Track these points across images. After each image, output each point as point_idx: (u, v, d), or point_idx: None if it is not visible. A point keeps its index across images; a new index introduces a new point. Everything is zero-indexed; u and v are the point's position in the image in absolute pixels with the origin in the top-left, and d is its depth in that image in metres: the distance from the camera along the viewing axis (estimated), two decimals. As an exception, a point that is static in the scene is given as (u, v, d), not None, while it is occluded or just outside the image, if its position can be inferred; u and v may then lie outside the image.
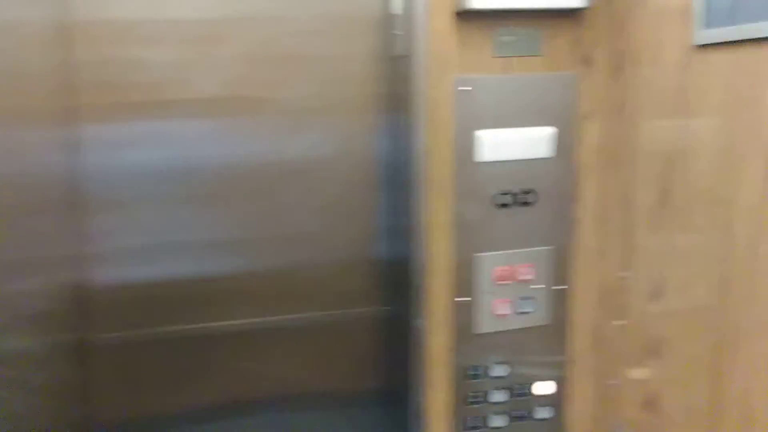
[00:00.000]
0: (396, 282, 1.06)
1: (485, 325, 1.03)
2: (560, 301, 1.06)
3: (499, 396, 1.05)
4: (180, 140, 0.96)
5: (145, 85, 0.93)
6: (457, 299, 1.02)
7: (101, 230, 0.94)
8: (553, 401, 1.08)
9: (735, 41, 0.80)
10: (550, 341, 1.07)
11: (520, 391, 1.06)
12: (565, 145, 1.02)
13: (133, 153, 0.94)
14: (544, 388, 1.07)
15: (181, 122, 0.96)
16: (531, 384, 1.07)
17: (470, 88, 0.97)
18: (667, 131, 0.93)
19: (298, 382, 1.06)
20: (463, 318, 1.03)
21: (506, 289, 1.03)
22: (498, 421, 1.05)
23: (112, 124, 0.93)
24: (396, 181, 1.03)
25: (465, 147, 0.98)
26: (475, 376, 1.04)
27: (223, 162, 0.98)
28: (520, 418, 1.07)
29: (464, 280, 1.02)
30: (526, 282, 1.04)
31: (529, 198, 1.01)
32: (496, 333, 1.04)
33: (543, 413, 1.07)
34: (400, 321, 1.05)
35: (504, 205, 1.01)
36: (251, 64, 0.96)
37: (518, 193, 1.01)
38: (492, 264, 1.02)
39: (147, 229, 0.96)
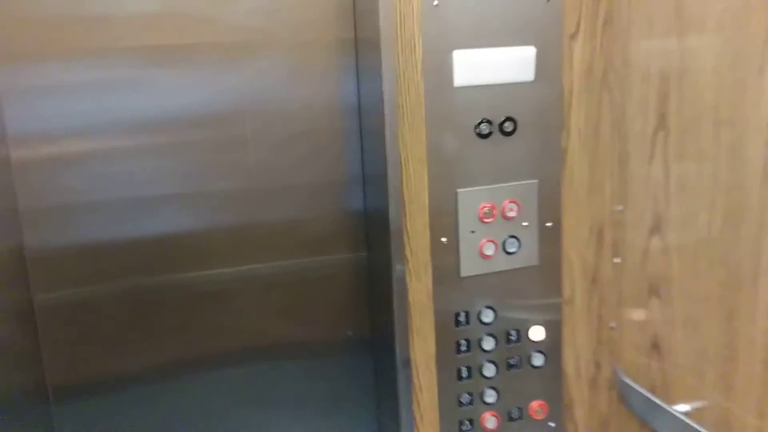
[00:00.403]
0: (375, 226, 0.98)
1: (471, 267, 0.95)
2: (550, 240, 0.98)
3: (490, 343, 0.98)
4: (117, 83, 0.87)
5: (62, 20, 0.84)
6: (439, 240, 0.93)
7: (41, 187, 0.86)
8: (549, 347, 1.00)
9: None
10: (542, 283, 0.99)
11: (512, 337, 0.98)
12: (549, 67, 0.93)
13: (63, 101, 0.85)
14: (538, 333, 0.99)
15: (116, 60, 0.87)
16: (524, 329, 0.99)
17: (438, 3, 0.88)
18: (664, 47, 0.84)
19: (272, 334, 0.99)
20: (447, 260, 0.95)
21: (491, 227, 0.95)
22: (490, 369, 0.98)
23: (34, 68, 0.84)
24: (370, 113, 0.95)
25: (439, 70, 0.89)
26: (464, 323, 0.96)
27: (173, 107, 0.90)
28: (514, 366, 0.99)
29: (446, 220, 0.93)
30: (512, 219, 0.95)
31: (511, 127, 0.93)
32: (483, 275, 0.96)
33: (538, 360, 1.00)
34: (380, 266, 0.97)
35: (485, 135, 0.92)
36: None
37: (500, 122, 0.93)
38: (475, 201, 0.94)
39: (91, 184, 0.88)
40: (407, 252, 0.93)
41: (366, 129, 0.97)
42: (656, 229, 0.89)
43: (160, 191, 0.92)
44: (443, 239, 0.94)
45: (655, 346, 0.91)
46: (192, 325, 0.95)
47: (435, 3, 0.88)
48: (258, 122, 0.94)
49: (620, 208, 0.95)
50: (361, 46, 0.94)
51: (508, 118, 0.93)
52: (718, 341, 0.80)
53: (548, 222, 0.97)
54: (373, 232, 0.99)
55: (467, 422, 0.98)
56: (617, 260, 0.97)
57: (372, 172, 0.96)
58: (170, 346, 0.95)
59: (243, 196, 0.96)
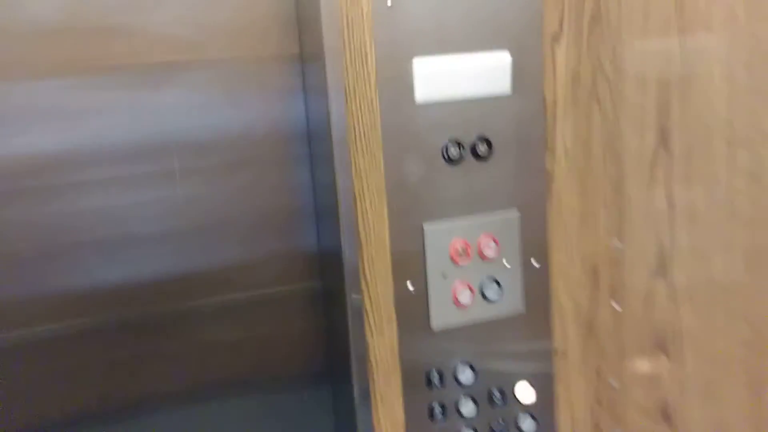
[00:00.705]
0: (328, 267, 0.82)
1: (443, 318, 0.80)
2: (537, 281, 0.82)
3: (469, 407, 0.81)
4: (7, 111, 0.72)
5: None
6: (404, 286, 0.78)
7: None
8: (540, 409, 0.84)
9: None
10: (529, 333, 0.83)
11: (496, 398, 0.82)
12: (527, 75, 0.78)
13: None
14: (526, 392, 0.83)
15: (7, 84, 0.71)
16: (510, 389, 0.83)
17: (392, 4, 0.73)
18: (663, 48, 0.69)
19: (223, 369, 0.83)
20: (415, 310, 0.79)
21: (466, 269, 0.80)
22: (469, 439, 0.82)
23: None
24: (319, 137, 0.80)
25: (397, 83, 0.75)
26: (437, 384, 0.80)
27: (81, 138, 0.75)
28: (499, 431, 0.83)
29: (412, 261, 0.78)
30: (491, 259, 0.80)
31: (485, 148, 0.78)
32: (458, 327, 0.80)
33: (528, 425, 0.83)
34: (336, 312, 0.81)
35: (455, 160, 0.77)
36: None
37: (472, 143, 0.78)
38: (445, 237, 0.79)
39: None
40: (366, 302, 0.77)
41: (316, 155, 0.82)
42: (661, 270, 0.73)
43: (74, 237, 0.76)
44: (409, 285, 0.78)
45: (664, 413, 0.75)
46: (140, 365, 0.79)
47: (389, 3, 0.73)
48: (187, 152, 0.79)
49: (617, 243, 0.80)
50: (306, 60, 0.79)
51: (482, 138, 0.78)
52: (741, 413, 0.64)
53: (533, 260, 0.82)
54: (326, 272, 0.83)
55: (445, 504, 0.82)
56: (616, 306, 0.81)
57: (323, 206, 0.81)
58: (116, 386, 0.79)
59: (174, 237, 0.80)
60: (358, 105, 0.74)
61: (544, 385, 0.83)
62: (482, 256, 0.80)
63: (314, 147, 0.81)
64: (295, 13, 0.79)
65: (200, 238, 0.81)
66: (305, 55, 0.79)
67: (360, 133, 0.75)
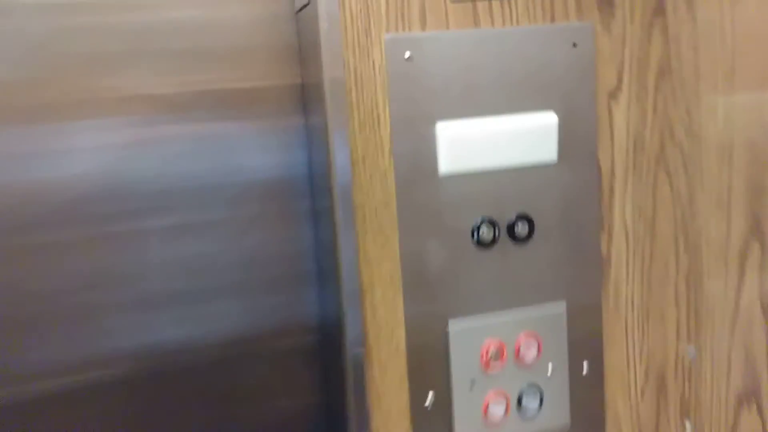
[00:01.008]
0: (329, 371, 0.68)
1: (472, 434, 0.65)
2: (586, 391, 0.67)
3: None
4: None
5: None
6: (422, 398, 0.63)
7: None
8: None
9: None
10: (577, 452, 0.67)
11: None
12: (578, 140, 0.64)
13: None
14: None
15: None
16: None
17: (411, 55, 0.59)
18: (757, 110, 0.54)
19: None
20: (436, 427, 0.64)
21: (500, 376, 0.65)
22: None
23: None
24: (320, 216, 0.66)
25: (417, 151, 0.60)
26: None
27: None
28: None
29: (433, 367, 0.63)
30: (530, 363, 0.65)
31: (526, 229, 0.63)
32: (490, 446, 0.65)
33: None
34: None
35: (488, 243, 0.63)
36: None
37: (510, 223, 0.63)
38: (475, 337, 0.64)
39: None
40: (376, 419, 0.63)
41: (317, 236, 0.68)
42: (750, 396, 0.57)
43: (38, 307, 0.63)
44: (430, 397, 0.64)
45: None
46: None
47: (407, 55, 0.59)
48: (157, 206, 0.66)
49: (692, 350, 0.64)
50: (310, 124, 0.65)
51: (522, 217, 0.63)
52: None
53: (584, 364, 0.67)
54: (329, 381, 0.68)
55: None
56: (690, 427, 0.65)
57: (324, 296, 0.67)
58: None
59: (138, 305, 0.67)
60: (368, 177, 0.60)
61: None
62: (520, 360, 0.65)
63: (316, 226, 0.68)
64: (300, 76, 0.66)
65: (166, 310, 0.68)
66: (309, 123, 0.65)
67: (371, 211, 0.61)
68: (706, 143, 0.60)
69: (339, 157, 0.58)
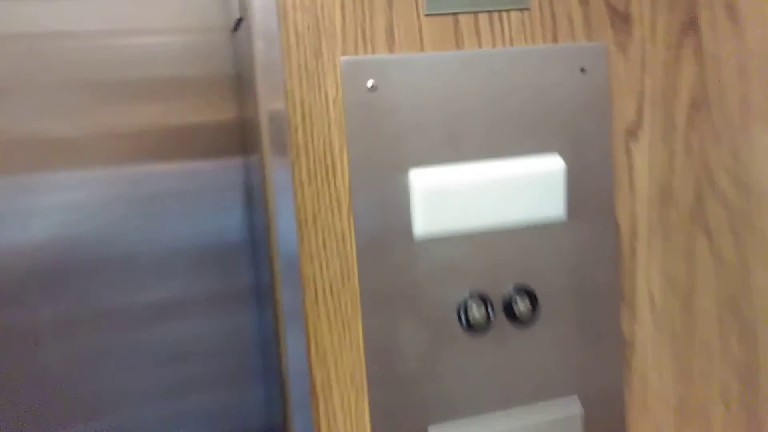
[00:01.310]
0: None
1: None
2: None
3: None
4: None
5: None
6: None
7: None
8: None
9: None
10: None
11: None
12: (590, 190, 0.50)
13: None
14: None
15: None
16: None
17: (375, 84, 0.45)
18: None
19: None
20: None
21: (499, 498, 0.49)
22: None
23: None
24: (261, 296, 0.51)
25: (385, 209, 0.46)
26: None
27: None
28: None
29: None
30: (540, 481, 0.50)
31: (527, 305, 0.49)
32: None
33: None
34: None
35: (478, 326, 0.48)
36: None
37: (506, 299, 0.49)
38: (465, 449, 0.49)
39: None
40: None
41: (263, 319, 0.53)
42: None
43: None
44: None
45: None
46: None
47: (369, 84, 0.45)
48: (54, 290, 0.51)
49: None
50: (253, 181, 0.51)
51: (521, 290, 0.49)
52: None
53: (605, 478, 0.52)
54: None
55: None
56: None
57: (274, 401, 0.51)
58: None
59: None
60: (320, 243, 0.45)
61: None
62: (524, 478, 0.49)
63: (260, 308, 0.53)
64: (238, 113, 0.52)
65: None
66: (248, 167, 0.51)
67: (325, 288, 0.46)
68: (758, 194, 0.46)
69: (281, 218, 0.44)
